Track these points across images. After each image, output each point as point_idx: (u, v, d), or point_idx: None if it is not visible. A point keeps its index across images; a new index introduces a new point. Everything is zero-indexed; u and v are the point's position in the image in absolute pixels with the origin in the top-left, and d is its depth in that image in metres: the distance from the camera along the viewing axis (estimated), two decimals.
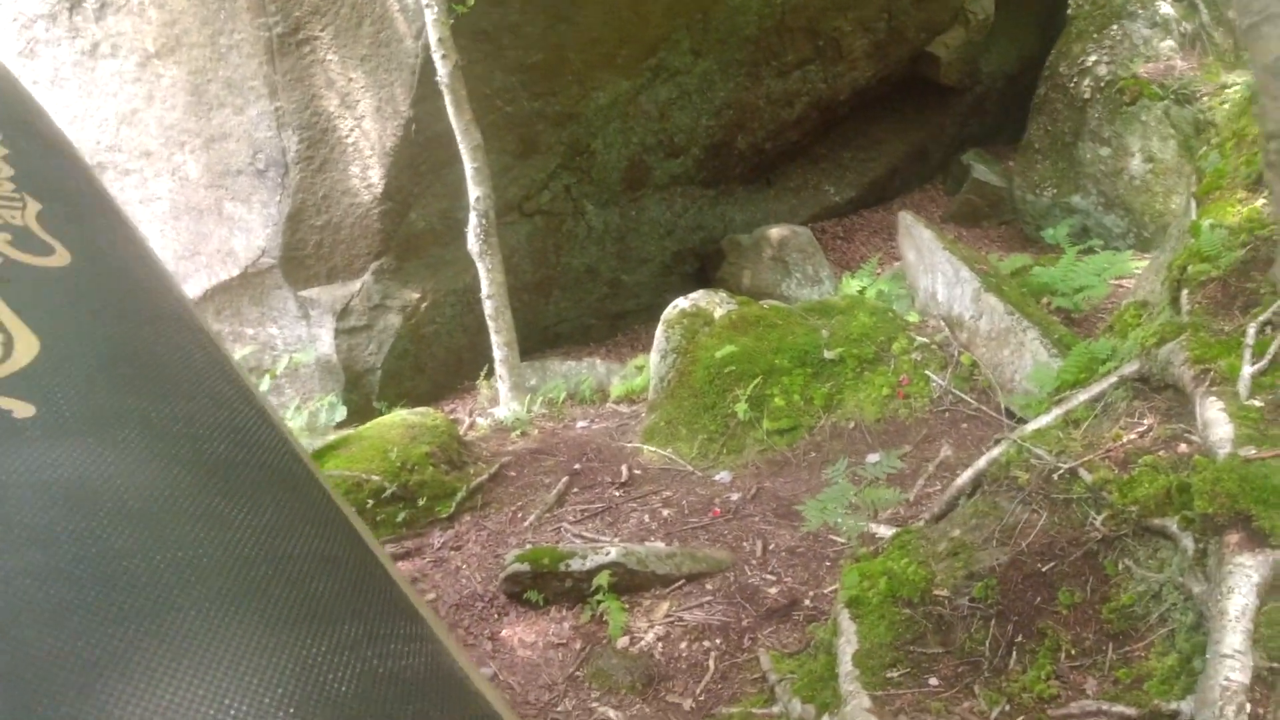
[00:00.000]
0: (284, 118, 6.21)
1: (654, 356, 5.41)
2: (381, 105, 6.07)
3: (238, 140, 6.48)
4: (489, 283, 5.86)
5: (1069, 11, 9.92)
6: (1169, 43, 8.83)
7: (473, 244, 5.79)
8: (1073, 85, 9.04)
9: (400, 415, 4.97)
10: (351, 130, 6.21)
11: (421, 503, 4.28)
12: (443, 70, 5.41)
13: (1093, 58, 9.01)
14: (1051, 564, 2.71)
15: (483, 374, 6.97)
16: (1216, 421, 2.44)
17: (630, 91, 7.23)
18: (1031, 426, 3.15)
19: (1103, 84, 8.78)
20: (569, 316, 8.18)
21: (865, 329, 5.51)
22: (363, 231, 6.57)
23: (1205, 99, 8.16)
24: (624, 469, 4.81)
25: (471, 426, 5.99)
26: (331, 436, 4.85)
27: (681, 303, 5.58)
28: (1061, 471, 2.81)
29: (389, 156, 6.22)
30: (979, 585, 2.71)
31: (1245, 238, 3.23)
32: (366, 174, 6.32)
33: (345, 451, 4.51)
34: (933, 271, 5.93)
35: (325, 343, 6.92)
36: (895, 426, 5.04)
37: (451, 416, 6.38)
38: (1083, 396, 3.10)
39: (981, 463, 3.20)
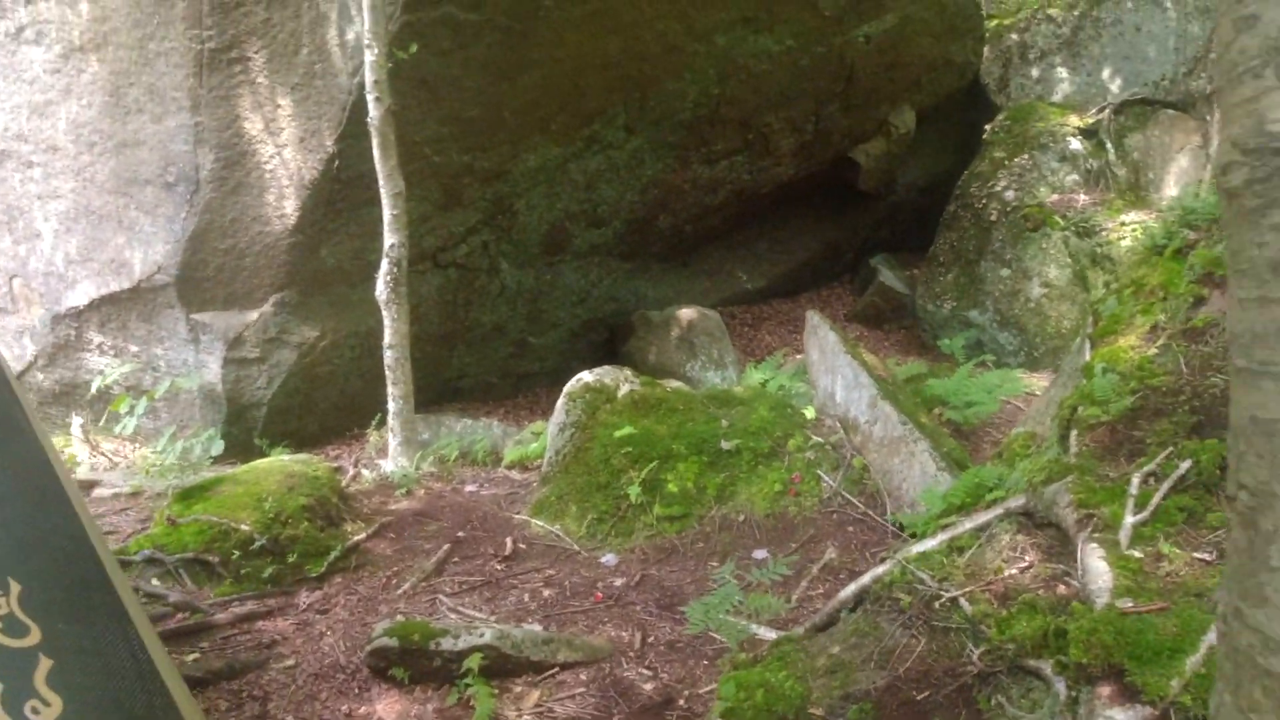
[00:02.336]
0: (203, 134, 5.99)
1: (552, 428, 5.32)
2: (306, 137, 5.92)
3: (151, 149, 6.20)
4: (392, 331, 5.70)
5: (985, 136, 10.51)
6: (1074, 176, 9.41)
7: (381, 290, 5.64)
8: (981, 206, 9.52)
9: (281, 461, 4.73)
10: (272, 157, 6.03)
11: (291, 559, 4.05)
12: (374, 112, 5.32)
13: (1002, 182, 9.53)
14: (927, 693, 2.71)
15: (374, 423, 6.75)
16: (1097, 570, 2.50)
17: (561, 158, 7.26)
18: (917, 548, 3.19)
19: (1009, 208, 9.28)
20: (471, 372, 8.04)
21: (764, 422, 5.56)
22: (268, 261, 6.33)
23: (1104, 233, 8.70)
24: (509, 541, 4.68)
25: (355, 478, 5.75)
26: (205, 474, 4.57)
27: (586, 376, 5.53)
28: (943, 599, 2.84)
29: (307, 189, 6.05)
30: (854, 708, 2.69)
31: (1135, 385, 3.39)
32: (281, 203, 6.12)
33: (216, 494, 4.25)
34: (834, 373, 6.05)
35: (212, 370, 6.60)
36: (784, 523, 5.06)
37: (336, 464, 6.13)
38: (968, 524, 3.17)
39: (866, 579, 3.22)
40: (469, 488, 5.53)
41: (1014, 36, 11.67)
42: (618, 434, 5.06)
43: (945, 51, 10.43)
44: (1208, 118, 9.30)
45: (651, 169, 8.08)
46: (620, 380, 5.58)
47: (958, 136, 12.25)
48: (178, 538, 3.95)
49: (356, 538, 4.42)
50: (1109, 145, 9.56)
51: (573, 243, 7.99)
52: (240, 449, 6.61)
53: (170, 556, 3.90)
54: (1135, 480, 2.91)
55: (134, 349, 6.86)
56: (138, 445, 7.11)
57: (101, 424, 6.72)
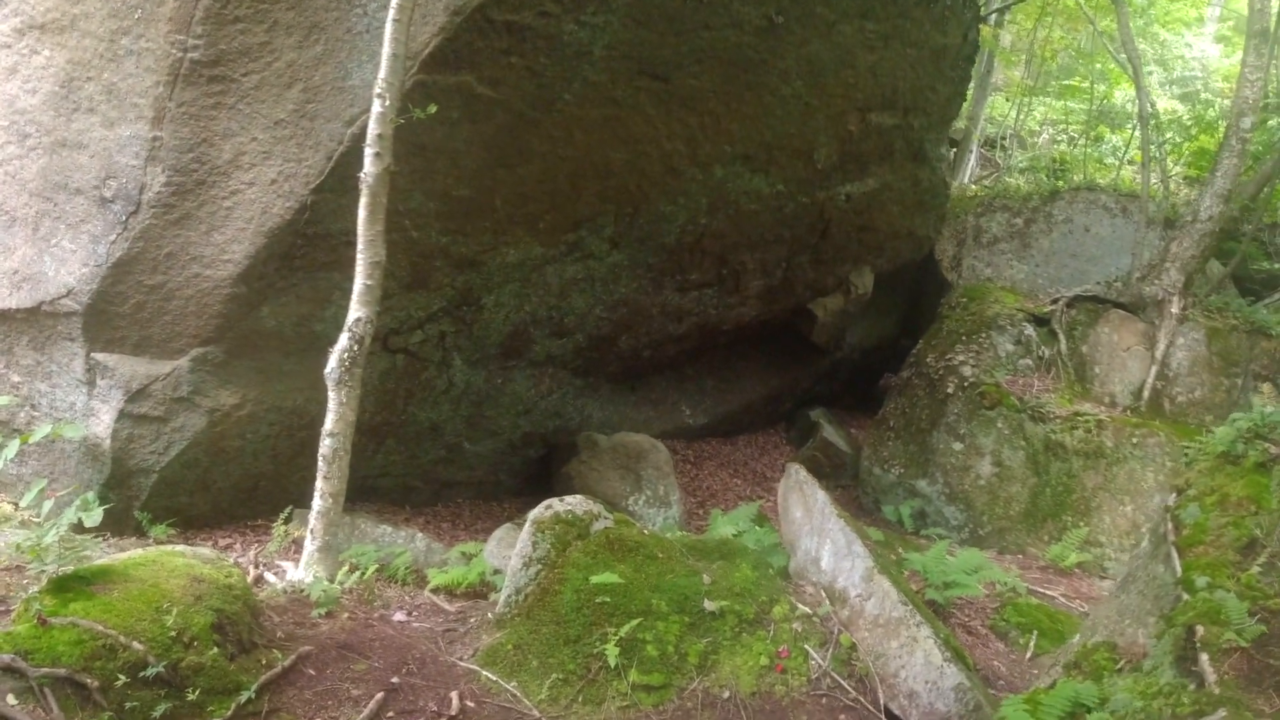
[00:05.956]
0: (159, 151, 5.16)
1: (515, 561, 4.55)
2: (280, 180, 5.18)
3: (93, 156, 5.32)
4: (337, 418, 4.87)
5: (940, 310, 10.54)
6: (1027, 361, 9.42)
7: (333, 368, 4.84)
8: (938, 377, 9.39)
9: (184, 557, 3.79)
10: (233, 194, 5.24)
11: (192, 695, 3.11)
12: (371, 169, 4.66)
13: (960, 357, 9.45)
14: None
15: (282, 517, 5.78)
16: None
17: (541, 259, 6.70)
18: None
19: (966, 384, 9.17)
20: (394, 472, 7.15)
21: (748, 583, 4.94)
22: (199, 309, 5.45)
23: (1057, 421, 8.62)
24: (454, 698, 3.83)
25: (258, 582, 4.79)
26: (90, 558, 3.57)
27: (556, 505, 4.81)
28: None
29: (265, 237, 5.27)
30: None
31: (1250, 606, 3.01)
32: (231, 246, 5.31)
33: (103, 590, 3.29)
34: (820, 536, 5.51)
35: (103, 422, 5.56)
36: (771, 704, 4.39)
37: (232, 558, 5.13)
38: None
39: None
40: (397, 616, 4.65)
41: (970, 219, 11.99)
42: (595, 579, 4.33)
43: (911, 222, 10.55)
44: (1155, 322, 9.51)
45: (626, 287, 7.60)
46: (594, 514, 4.88)
47: (903, 305, 12.37)
48: (48, 644, 2.99)
49: (271, 672, 3.50)
50: (1061, 336, 9.66)
51: (532, 349, 7.35)
52: (114, 520, 5.53)
53: (35, 669, 2.92)
54: None
55: (15, 379, 5.76)
56: None
57: None
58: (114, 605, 3.21)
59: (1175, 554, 3.44)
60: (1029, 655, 6.04)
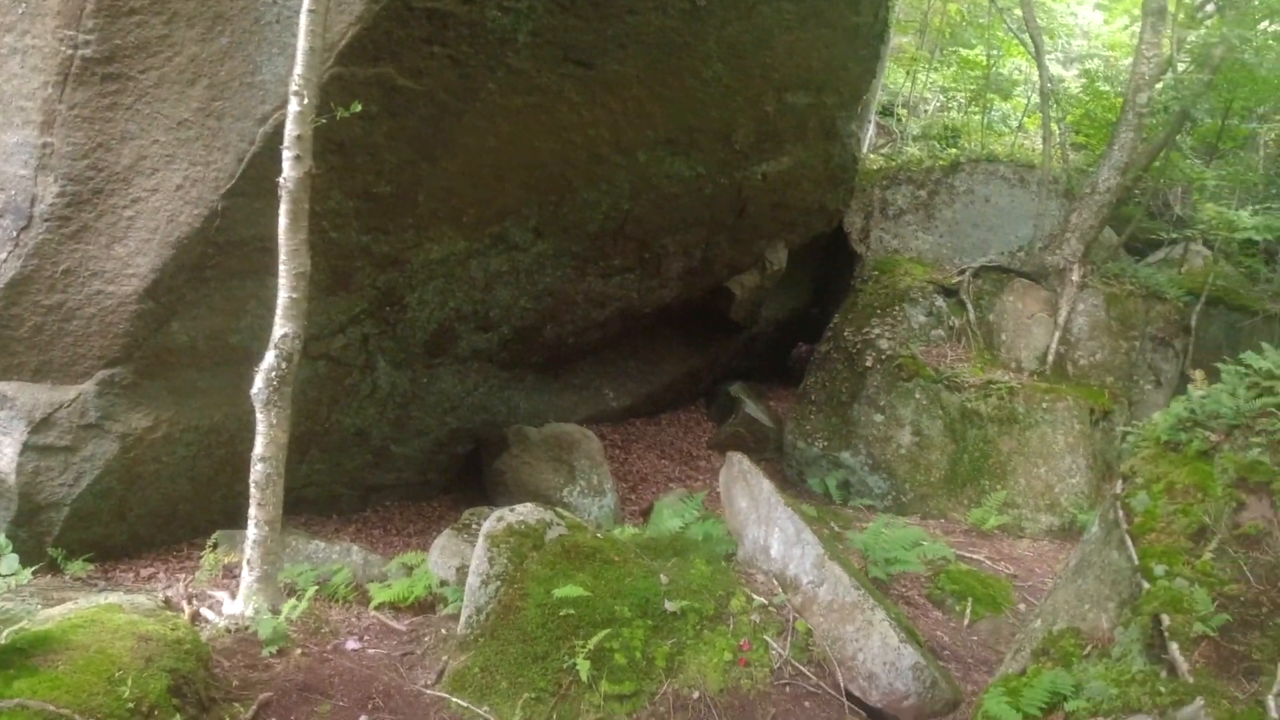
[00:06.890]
0: (50, 159, 4.70)
1: (473, 579, 4.39)
2: (186, 185, 4.80)
3: None
4: (267, 441, 4.58)
5: (853, 284, 10.72)
6: (939, 332, 9.68)
7: (260, 389, 4.55)
8: (855, 351, 9.56)
9: (123, 612, 3.50)
10: (135, 202, 4.84)
11: None
12: (291, 173, 4.36)
13: (876, 331, 9.64)
14: None
15: (210, 543, 5.46)
16: None
17: (465, 253, 6.46)
18: None
19: (883, 357, 9.37)
20: (320, 481, 6.84)
21: (704, 579, 4.93)
22: (103, 328, 5.04)
23: (971, 390, 8.90)
24: None
25: (195, 619, 4.49)
26: (21, 624, 3.24)
27: (508, 516, 4.67)
28: None
29: (172, 248, 4.89)
30: None
31: (1210, 594, 3.14)
32: (134, 260, 4.91)
33: (47, 664, 3.00)
34: (768, 525, 5.53)
35: (5, 456, 5.11)
36: (739, 699, 4.41)
37: (156, 592, 4.80)
38: None
39: None
40: (350, 644, 4.44)
41: (876, 192, 12.19)
42: (558, 593, 4.23)
43: (822, 198, 10.66)
44: (1057, 289, 9.89)
45: (550, 276, 7.43)
46: (546, 522, 4.76)
47: (813, 277, 12.54)
48: None
49: None
50: (969, 306, 9.96)
51: (458, 345, 7.11)
52: (26, 559, 5.08)
53: None
54: (1272, 704, 2.64)
55: None
56: None
57: None
58: (61, 680, 2.93)
59: (1130, 541, 3.56)
60: (966, 622, 6.24)
